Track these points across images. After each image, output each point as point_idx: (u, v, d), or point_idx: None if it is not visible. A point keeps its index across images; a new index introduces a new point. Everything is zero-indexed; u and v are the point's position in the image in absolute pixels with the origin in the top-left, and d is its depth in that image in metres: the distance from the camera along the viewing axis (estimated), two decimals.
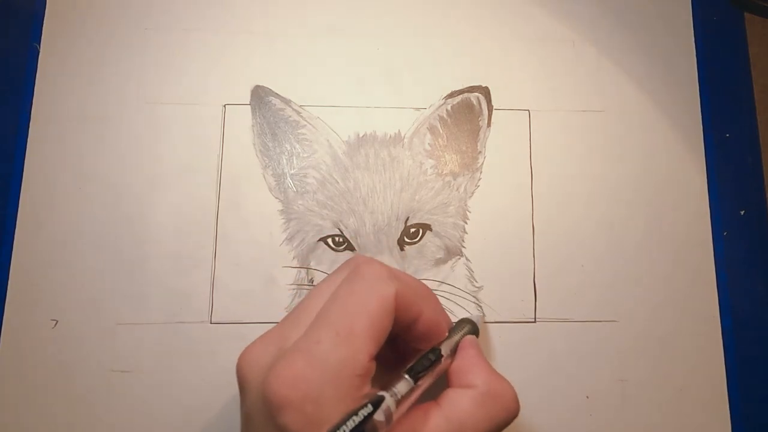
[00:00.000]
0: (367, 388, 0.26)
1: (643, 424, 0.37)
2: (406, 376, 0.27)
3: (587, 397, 0.37)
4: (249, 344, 0.27)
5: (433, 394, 0.29)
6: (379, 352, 0.27)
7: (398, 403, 0.25)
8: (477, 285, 0.38)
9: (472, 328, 0.33)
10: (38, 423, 0.35)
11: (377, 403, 0.24)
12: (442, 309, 0.32)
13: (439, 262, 0.39)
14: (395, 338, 0.29)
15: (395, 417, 0.25)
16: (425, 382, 0.28)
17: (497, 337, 0.38)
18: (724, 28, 0.43)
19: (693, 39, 0.43)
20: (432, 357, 0.28)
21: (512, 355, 0.37)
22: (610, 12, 0.43)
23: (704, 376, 0.38)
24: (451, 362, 0.30)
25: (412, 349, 0.30)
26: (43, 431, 0.35)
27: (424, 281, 0.38)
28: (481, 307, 0.38)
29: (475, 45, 0.42)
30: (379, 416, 0.24)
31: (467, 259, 0.39)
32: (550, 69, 0.42)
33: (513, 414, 0.29)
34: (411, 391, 0.27)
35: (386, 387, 0.26)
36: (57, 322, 0.37)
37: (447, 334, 0.31)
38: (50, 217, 0.38)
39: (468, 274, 0.38)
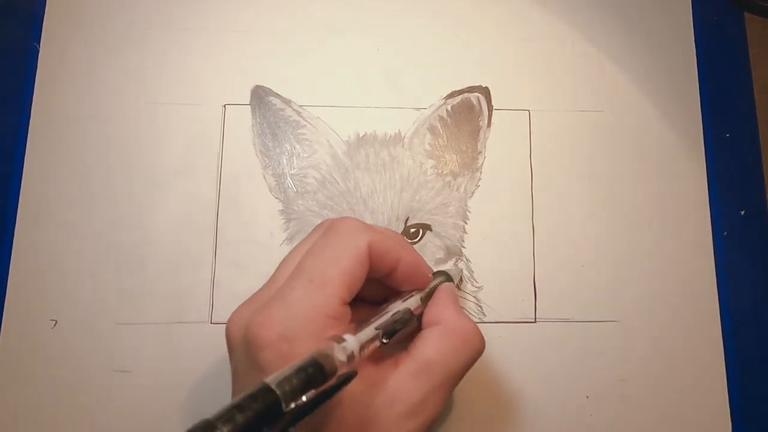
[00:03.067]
0: (341, 329, 0.27)
1: (643, 424, 0.37)
2: (376, 330, 0.28)
3: (587, 397, 0.37)
4: (236, 308, 0.29)
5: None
6: (369, 292, 0.30)
7: (363, 347, 0.26)
8: (477, 285, 0.38)
9: (446, 278, 0.34)
10: (38, 423, 0.35)
11: (322, 356, 0.24)
12: (421, 258, 0.33)
13: (439, 262, 0.38)
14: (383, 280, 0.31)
15: (358, 358, 0.26)
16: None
17: (497, 337, 0.38)
18: (724, 28, 0.43)
19: (693, 39, 0.43)
20: (402, 322, 0.29)
21: (512, 355, 0.37)
22: (610, 12, 0.43)
23: (704, 376, 0.38)
24: (424, 308, 0.31)
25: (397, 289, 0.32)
26: (42, 431, 0.35)
27: None
28: (481, 307, 0.38)
29: (475, 45, 0.42)
30: (339, 355, 0.25)
31: (467, 259, 0.39)
32: (550, 69, 0.42)
33: (478, 349, 0.30)
34: (375, 338, 0.28)
35: (356, 330, 0.27)
36: (57, 322, 0.37)
37: (429, 276, 0.33)
38: (50, 217, 0.38)
39: (468, 274, 0.38)
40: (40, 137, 0.39)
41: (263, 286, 0.30)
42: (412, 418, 0.27)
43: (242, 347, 0.27)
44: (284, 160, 0.40)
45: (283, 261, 0.31)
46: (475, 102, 0.41)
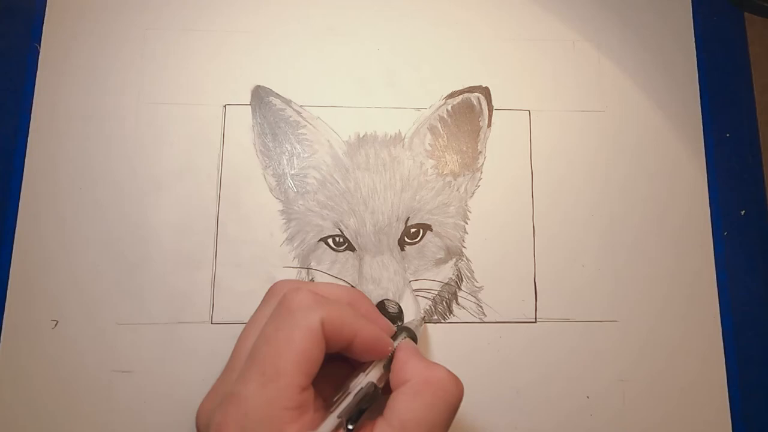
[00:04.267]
0: (305, 418, 0.26)
1: (643, 424, 0.37)
2: (338, 418, 0.27)
3: (588, 397, 0.37)
4: (202, 399, 0.30)
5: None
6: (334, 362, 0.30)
7: None
8: (477, 285, 0.38)
9: (407, 335, 0.33)
10: (38, 423, 0.35)
11: None
12: (380, 328, 0.31)
13: (440, 262, 0.39)
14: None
15: None
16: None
17: (497, 337, 0.38)
18: (724, 28, 0.43)
19: (693, 39, 0.43)
20: (367, 400, 0.28)
21: (512, 355, 0.38)
22: (611, 12, 0.43)
23: (704, 376, 0.38)
24: (388, 374, 0.30)
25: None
26: (43, 431, 0.35)
27: (424, 281, 0.38)
28: (481, 307, 0.38)
29: (475, 45, 0.42)
30: None
31: (467, 259, 0.39)
32: (550, 69, 0.42)
33: (454, 395, 0.28)
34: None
35: (318, 423, 0.27)
36: (57, 322, 0.37)
37: (389, 348, 0.30)
38: (50, 217, 0.38)
39: (468, 274, 0.38)
40: (40, 137, 0.39)
41: (224, 370, 0.30)
42: None
43: None
44: (284, 161, 0.40)
45: (238, 342, 0.30)
46: (475, 102, 0.41)
